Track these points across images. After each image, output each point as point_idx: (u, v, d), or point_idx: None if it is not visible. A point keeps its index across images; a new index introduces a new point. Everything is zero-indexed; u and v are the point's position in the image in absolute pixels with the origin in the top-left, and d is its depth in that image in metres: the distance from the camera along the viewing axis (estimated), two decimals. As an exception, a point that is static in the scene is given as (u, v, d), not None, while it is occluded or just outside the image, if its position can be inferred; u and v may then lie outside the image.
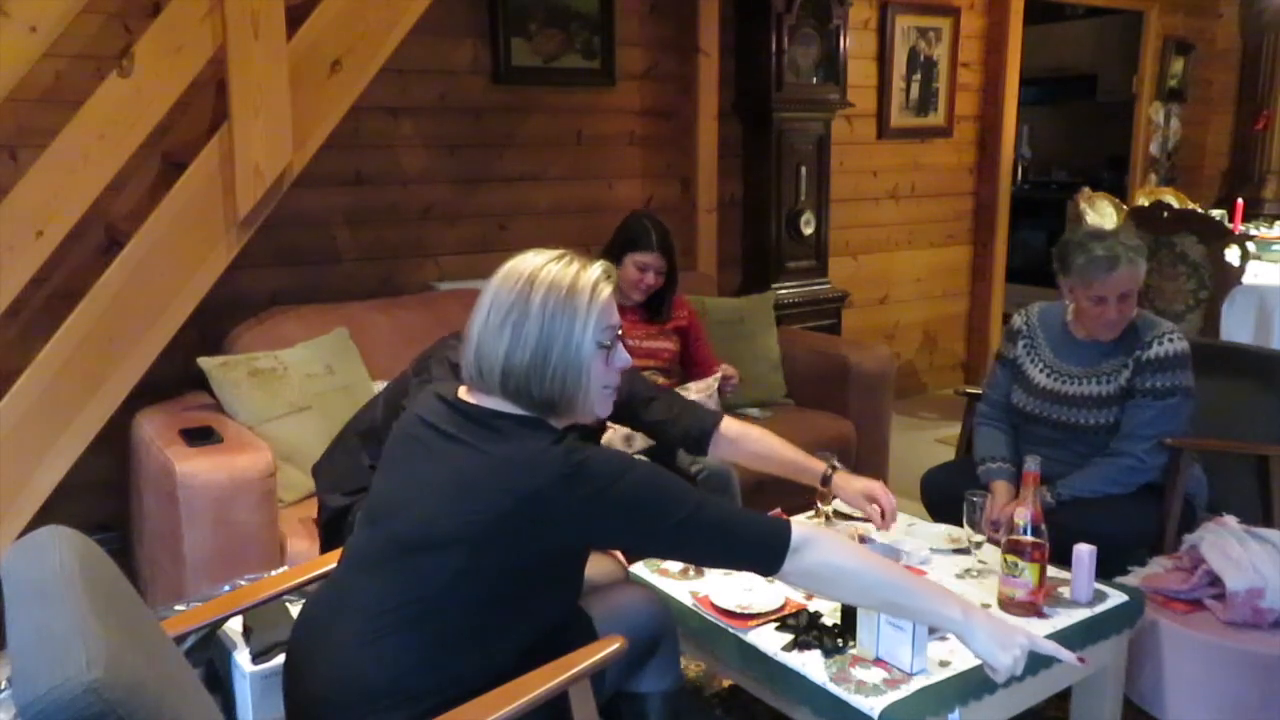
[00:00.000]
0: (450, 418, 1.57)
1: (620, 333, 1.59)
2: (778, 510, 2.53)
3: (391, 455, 1.66)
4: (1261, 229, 5.28)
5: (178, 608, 1.81)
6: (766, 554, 1.55)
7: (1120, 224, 4.74)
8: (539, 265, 1.55)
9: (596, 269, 1.57)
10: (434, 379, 2.04)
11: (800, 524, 1.59)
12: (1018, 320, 2.76)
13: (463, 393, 1.60)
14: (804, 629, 1.90)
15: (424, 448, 1.58)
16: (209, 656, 1.86)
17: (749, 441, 2.23)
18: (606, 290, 1.56)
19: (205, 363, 2.73)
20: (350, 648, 1.52)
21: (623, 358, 1.60)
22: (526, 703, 1.45)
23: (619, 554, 2.14)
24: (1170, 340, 2.49)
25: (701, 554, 1.66)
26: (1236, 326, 4.15)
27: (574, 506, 1.46)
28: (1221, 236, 4.20)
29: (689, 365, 3.26)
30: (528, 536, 1.47)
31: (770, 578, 1.60)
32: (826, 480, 2.21)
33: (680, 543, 1.56)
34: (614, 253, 3.13)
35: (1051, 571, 2.05)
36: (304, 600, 1.88)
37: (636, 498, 1.50)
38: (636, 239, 3.07)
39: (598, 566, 1.87)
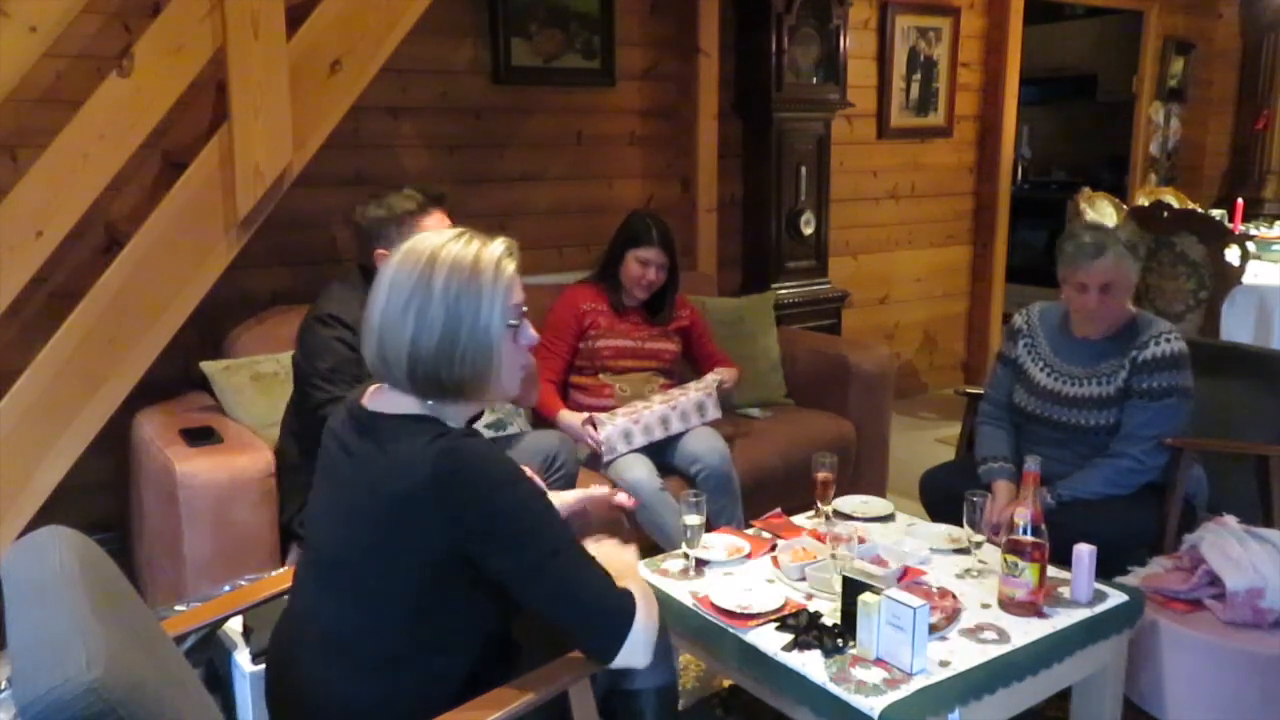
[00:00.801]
0: (351, 432, 1.52)
1: (525, 310, 1.52)
2: (777, 511, 2.54)
3: (316, 477, 1.62)
4: (1261, 229, 5.28)
5: (178, 608, 1.81)
6: (606, 631, 1.45)
7: (1121, 222, 4.75)
8: (438, 245, 1.46)
9: (499, 245, 1.49)
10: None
11: (635, 598, 1.48)
12: (1018, 319, 2.76)
13: (368, 394, 1.54)
14: (804, 629, 1.90)
15: (333, 465, 1.55)
16: (209, 656, 1.86)
17: None
18: (510, 266, 1.48)
19: (208, 367, 2.73)
20: (306, 672, 1.52)
21: (529, 335, 1.53)
22: (526, 703, 1.45)
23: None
24: (1167, 341, 2.49)
25: (552, 599, 1.46)
26: (1236, 326, 4.15)
27: (442, 510, 1.38)
28: (1221, 236, 4.20)
29: (695, 364, 3.27)
30: (405, 543, 1.40)
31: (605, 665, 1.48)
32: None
33: (543, 577, 1.43)
34: (615, 251, 3.14)
35: (1051, 571, 2.05)
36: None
37: (511, 513, 1.41)
38: (637, 235, 3.08)
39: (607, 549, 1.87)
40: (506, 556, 1.42)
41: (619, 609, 1.46)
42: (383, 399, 1.51)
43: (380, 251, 2.44)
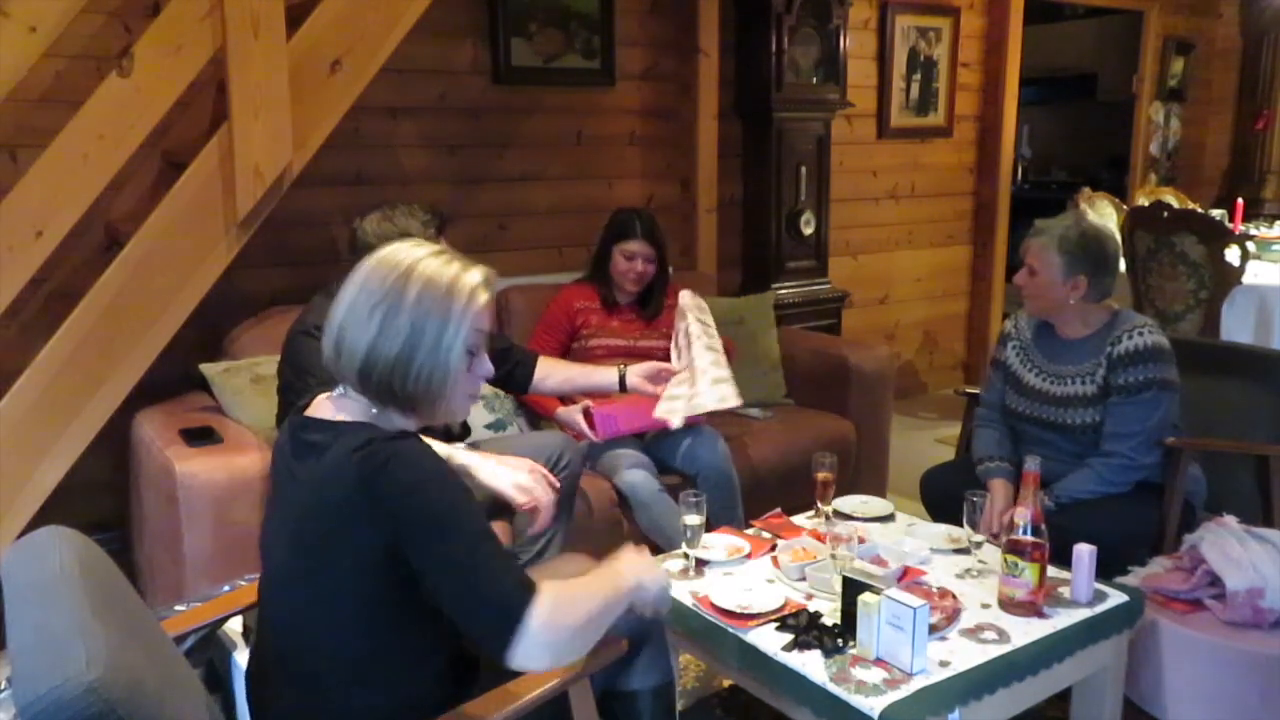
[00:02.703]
0: (291, 446, 1.51)
1: (487, 339, 1.51)
2: (777, 511, 2.54)
3: (268, 496, 1.62)
4: (1261, 229, 5.28)
5: (178, 608, 1.81)
6: (495, 627, 1.36)
7: (1120, 222, 4.75)
8: (418, 258, 1.46)
9: (478, 273, 1.48)
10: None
11: (541, 596, 1.39)
12: (1008, 324, 2.79)
13: (314, 404, 1.54)
14: (804, 629, 1.90)
15: (279, 483, 1.55)
16: (209, 656, 1.86)
17: (554, 371, 2.64)
18: (483, 297, 1.47)
19: (208, 369, 2.73)
20: (274, 692, 1.51)
21: (485, 367, 1.52)
22: (526, 703, 1.45)
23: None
24: (1140, 334, 2.48)
25: (456, 592, 1.39)
26: (1236, 326, 4.14)
27: (372, 508, 1.36)
28: (1221, 236, 4.20)
29: None
30: (345, 549, 1.39)
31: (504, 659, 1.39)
32: (623, 381, 2.62)
33: (453, 569, 1.38)
34: (603, 248, 3.15)
35: (1051, 571, 2.05)
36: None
37: (432, 505, 1.38)
38: (622, 229, 3.09)
39: (569, 566, 1.87)
40: (426, 548, 1.38)
41: (510, 607, 1.36)
42: (325, 407, 1.51)
43: None
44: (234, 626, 1.86)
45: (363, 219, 2.49)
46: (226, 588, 1.89)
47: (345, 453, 1.38)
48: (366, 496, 1.36)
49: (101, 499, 2.92)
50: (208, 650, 1.85)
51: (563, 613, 1.40)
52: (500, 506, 2.06)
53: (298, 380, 2.36)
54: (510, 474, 1.98)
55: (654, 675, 1.78)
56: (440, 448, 1.97)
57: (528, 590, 1.38)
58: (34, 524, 2.23)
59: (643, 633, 1.75)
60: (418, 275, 1.43)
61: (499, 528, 2.28)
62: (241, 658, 1.81)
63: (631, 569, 1.56)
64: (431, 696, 1.49)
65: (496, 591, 1.37)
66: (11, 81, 2.38)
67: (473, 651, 1.58)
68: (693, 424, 3.03)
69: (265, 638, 1.57)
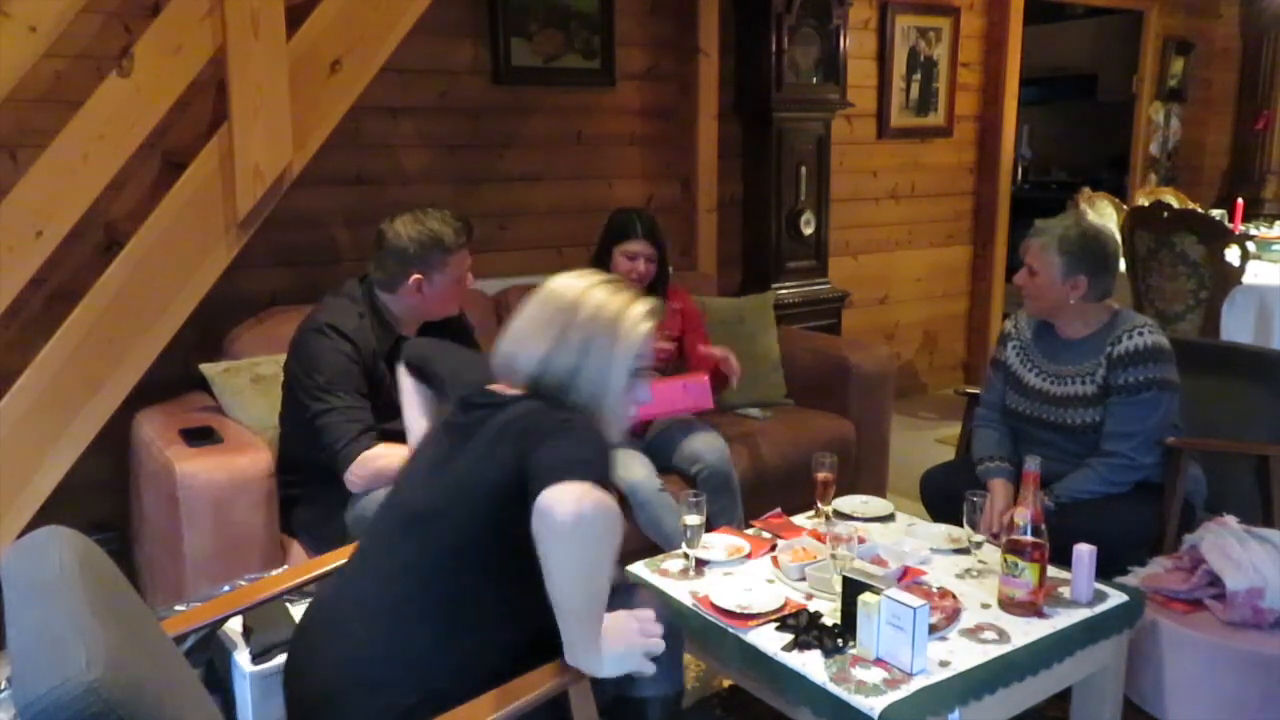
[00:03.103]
0: (469, 412, 1.65)
1: (649, 370, 1.67)
2: (777, 510, 2.54)
3: (417, 450, 1.77)
4: (1261, 229, 5.28)
5: (178, 608, 1.81)
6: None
7: (1120, 222, 4.75)
8: (592, 284, 1.65)
9: (644, 305, 1.66)
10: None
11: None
12: (1008, 324, 2.79)
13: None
14: (804, 629, 1.90)
15: (445, 438, 1.67)
16: (209, 656, 1.86)
17: None
18: (647, 326, 1.64)
19: (208, 369, 2.73)
20: (357, 630, 1.54)
21: (643, 394, 1.67)
22: (526, 703, 1.45)
23: None
24: (1140, 334, 2.49)
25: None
26: (1236, 326, 4.14)
27: (523, 442, 1.49)
28: (1221, 236, 4.20)
29: (684, 359, 3.23)
30: (490, 471, 1.52)
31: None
32: None
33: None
34: (603, 250, 3.13)
35: (1051, 571, 2.05)
36: (307, 600, 1.89)
37: (567, 444, 1.48)
38: (622, 229, 3.08)
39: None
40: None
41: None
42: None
43: (417, 276, 2.43)
44: (234, 626, 1.86)
45: (393, 220, 2.48)
46: (226, 588, 1.89)
47: (540, 406, 1.57)
48: (528, 427, 1.51)
49: (101, 499, 2.92)
50: (208, 650, 1.85)
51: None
52: None
53: (305, 377, 2.36)
54: None
55: (666, 684, 1.78)
56: None
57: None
58: (34, 524, 2.23)
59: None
60: (591, 298, 1.63)
61: None
62: (242, 658, 1.81)
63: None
64: (497, 664, 1.52)
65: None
66: (11, 81, 2.37)
67: (552, 639, 1.58)
68: (693, 424, 3.04)
69: (363, 576, 1.63)
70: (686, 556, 2.21)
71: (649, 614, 1.59)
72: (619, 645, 1.50)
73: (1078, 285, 2.50)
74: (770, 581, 2.17)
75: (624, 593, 1.82)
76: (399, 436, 2.16)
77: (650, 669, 1.54)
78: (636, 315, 1.63)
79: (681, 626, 1.83)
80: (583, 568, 1.41)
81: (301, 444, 2.42)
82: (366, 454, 2.26)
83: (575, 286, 1.65)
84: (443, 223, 2.46)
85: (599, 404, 1.60)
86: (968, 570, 2.19)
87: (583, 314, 1.60)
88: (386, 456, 2.26)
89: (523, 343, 1.63)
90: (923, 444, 4.40)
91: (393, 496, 1.72)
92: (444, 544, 1.55)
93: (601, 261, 3.14)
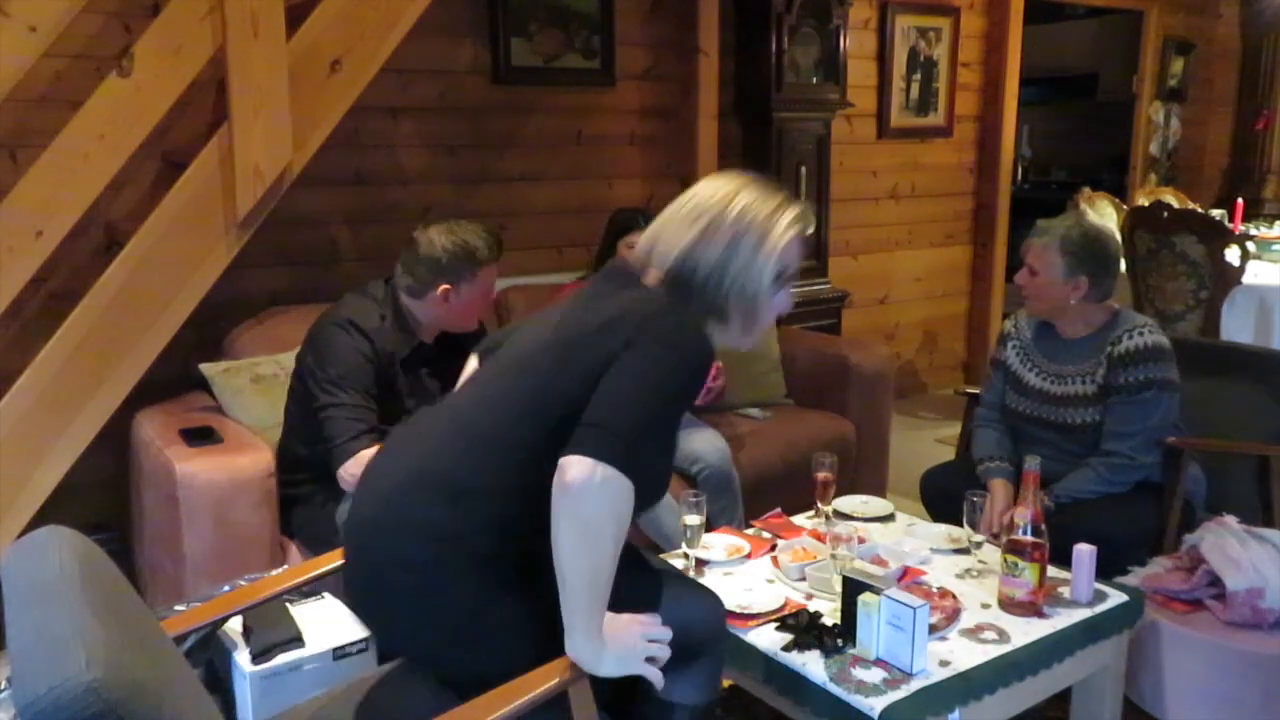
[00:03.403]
0: (609, 280, 1.69)
1: (795, 274, 1.67)
2: (777, 511, 2.54)
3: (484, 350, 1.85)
4: (1261, 229, 5.28)
5: (178, 608, 1.81)
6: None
7: (1120, 222, 4.75)
8: (746, 182, 1.63)
9: (796, 209, 1.64)
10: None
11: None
12: (1008, 324, 2.79)
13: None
14: (804, 629, 1.90)
15: (577, 297, 1.71)
16: (209, 656, 1.86)
17: None
18: (797, 228, 1.63)
19: (208, 369, 2.73)
20: (430, 446, 1.59)
21: (787, 300, 1.68)
22: (526, 702, 1.45)
23: None
24: (1140, 334, 2.49)
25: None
26: (1236, 326, 4.14)
27: (616, 339, 1.49)
28: (1221, 236, 4.20)
29: None
30: (568, 367, 1.52)
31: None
32: None
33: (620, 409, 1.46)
34: (607, 245, 3.13)
35: (1051, 571, 2.05)
36: (307, 600, 1.89)
37: (647, 369, 1.48)
38: (626, 224, 3.09)
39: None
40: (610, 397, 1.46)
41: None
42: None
43: (445, 286, 2.44)
44: (234, 626, 1.86)
45: (426, 227, 2.49)
46: (226, 588, 1.89)
47: (653, 296, 1.58)
48: (630, 327, 1.51)
49: (101, 499, 2.91)
50: (208, 650, 1.85)
51: None
52: None
53: (319, 368, 2.37)
54: None
55: (700, 693, 1.73)
56: None
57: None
58: (34, 524, 2.22)
59: (699, 646, 1.70)
60: (743, 196, 1.61)
61: None
62: (242, 658, 1.81)
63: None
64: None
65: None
66: (11, 81, 2.38)
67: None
68: (693, 424, 3.04)
69: (444, 413, 1.68)
70: (686, 556, 2.21)
71: (654, 619, 1.56)
72: (619, 646, 1.49)
73: (1079, 286, 2.50)
74: (770, 581, 2.17)
75: (675, 582, 1.80)
76: None
77: (657, 677, 1.51)
78: (786, 220, 1.62)
79: (724, 634, 1.78)
80: (585, 536, 1.40)
81: (304, 436, 2.43)
82: (363, 454, 2.26)
83: (727, 186, 1.63)
84: (476, 235, 2.47)
85: (749, 302, 1.60)
86: (968, 570, 2.19)
87: (732, 212, 1.59)
88: None
89: (667, 234, 1.61)
90: (923, 444, 4.40)
91: (495, 346, 1.77)
92: (525, 389, 1.56)
93: (605, 256, 3.15)
